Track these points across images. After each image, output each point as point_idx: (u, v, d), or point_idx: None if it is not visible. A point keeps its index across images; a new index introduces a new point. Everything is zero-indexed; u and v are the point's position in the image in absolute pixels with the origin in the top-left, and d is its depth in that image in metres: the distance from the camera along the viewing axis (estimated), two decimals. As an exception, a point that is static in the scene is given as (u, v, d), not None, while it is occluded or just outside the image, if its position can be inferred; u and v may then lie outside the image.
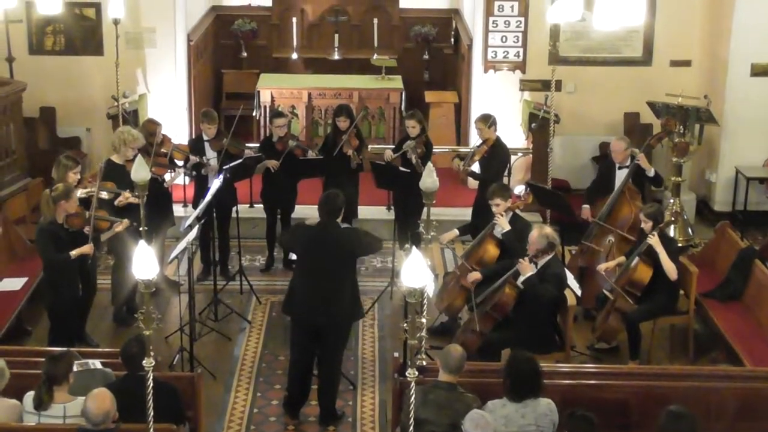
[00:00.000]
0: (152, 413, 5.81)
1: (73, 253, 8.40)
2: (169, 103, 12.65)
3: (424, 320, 5.58)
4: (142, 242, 5.61)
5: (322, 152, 10.93)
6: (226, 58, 15.54)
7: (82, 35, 12.60)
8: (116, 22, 11.04)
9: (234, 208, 10.45)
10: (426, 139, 10.51)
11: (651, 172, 9.91)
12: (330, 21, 15.60)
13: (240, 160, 10.15)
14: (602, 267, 9.15)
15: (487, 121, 10.26)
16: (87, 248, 8.49)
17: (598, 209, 9.85)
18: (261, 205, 11.10)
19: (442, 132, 13.41)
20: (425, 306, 5.48)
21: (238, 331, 9.69)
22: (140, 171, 6.84)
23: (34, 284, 9.49)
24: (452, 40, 15.32)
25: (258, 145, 11.25)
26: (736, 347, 8.64)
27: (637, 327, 8.84)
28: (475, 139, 10.86)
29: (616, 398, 7.15)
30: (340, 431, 8.11)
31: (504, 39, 12.49)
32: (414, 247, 5.53)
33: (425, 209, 6.48)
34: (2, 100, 11.15)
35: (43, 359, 6.55)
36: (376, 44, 15.25)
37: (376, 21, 15.33)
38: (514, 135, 12.18)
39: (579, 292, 8.71)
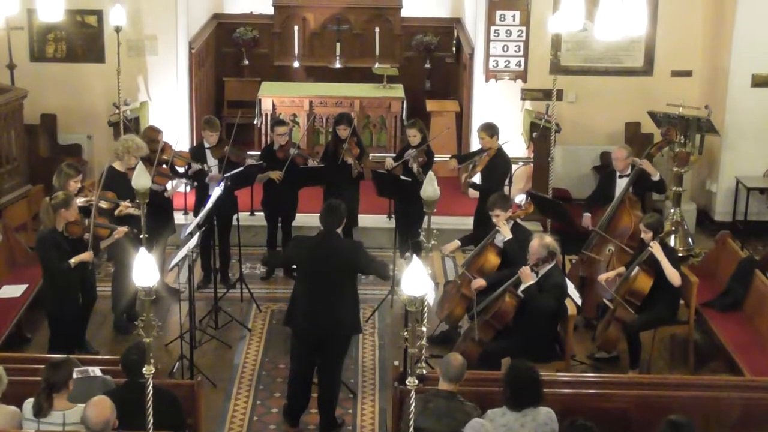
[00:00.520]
0: (152, 421, 5.81)
1: (73, 260, 8.40)
2: (170, 111, 12.66)
3: (424, 329, 5.58)
4: (142, 250, 5.61)
5: (323, 161, 10.94)
6: (227, 66, 15.56)
7: (83, 43, 12.62)
8: (118, 29, 11.08)
9: (235, 216, 10.46)
10: (428, 148, 10.52)
11: (656, 177, 9.92)
12: (332, 29, 15.62)
13: (241, 168, 10.16)
14: (602, 276, 9.14)
15: (490, 130, 10.27)
16: (87, 255, 8.49)
17: (598, 219, 9.85)
18: (262, 213, 11.11)
19: (443, 141, 13.41)
20: (425, 315, 5.48)
21: (238, 338, 9.68)
22: (141, 178, 6.85)
23: (34, 291, 9.50)
24: (454, 49, 15.34)
25: (259, 153, 11.26)
26: (736, 357, 8.64)
27: (637, 336, 8.84)
28: (476, 148, 10.87)
29: (616, 408, 7.14)
30: (340, 439, 8.13)
31: (505, 48, 12.49)
32: (414, 256, 5.53)
33: (426, 218, 6.48)
34: (3, 107, 11.15)
35: (42, 366, 6.55)
36: (377, 53, 15.26)
37: (377, 30, 15.34)
38: (515, 144, 12.18)
39: (579, 302, 8.72)
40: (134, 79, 12.49)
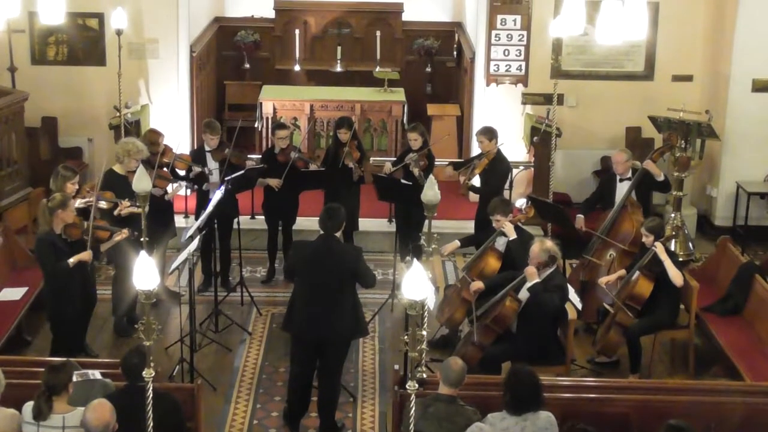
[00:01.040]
0: (152, 424, 5.80)
1: (71, 260, 8.38)
2: (171, 114, 12.66)
3: (424, 333, 5.56)
4: (142, 253, 5.61)
5: (323, 164, 10.94)
6: (228, 69, 15.58)
7: (84, 46, 12.63)
8: (119, 32, 11.09)
9: (235, 220, 10.46)
10: (429, 152, 10.52)
11: (661, 177, 9.94)
12: (333, 33, 15.64)
13: (242, 172, 10.16)
14: (603, 280, 9.15)
15: (489, 134, 10.27)
16: (85, 255, 8.47)
17: (599, 223, 9.85)
18: (262, 217, 11.11)
19: (444, 145, 13.42)
20: (426, 318, 5.47)
21: (238, 342, 9.68)
22: (142, 181, 6.85)
23: (34, 294, 9.49)
24: (455, 53, 15.35)
25: (260, 156, 11.26)
26: (736, 362, 8.63)
27: (637, 341, 8.84)
28: (476, 152, 10.87)
29: (616, 412, 7.13)
30: (340, 443, 8.12)
31: (506, 53, 12.50)
32: (415, 260, 5.52)
33: (426, 222, 6.48)
34: (4, 110, 11.16)
35: (42, 369, 6.53)
36: (378, 57, 15.28)
37: (378, 34, 15.37)
38: (515, 148, 12.18)
39: (580, 306, 8.71)
40: (135, 83, 12.50)
